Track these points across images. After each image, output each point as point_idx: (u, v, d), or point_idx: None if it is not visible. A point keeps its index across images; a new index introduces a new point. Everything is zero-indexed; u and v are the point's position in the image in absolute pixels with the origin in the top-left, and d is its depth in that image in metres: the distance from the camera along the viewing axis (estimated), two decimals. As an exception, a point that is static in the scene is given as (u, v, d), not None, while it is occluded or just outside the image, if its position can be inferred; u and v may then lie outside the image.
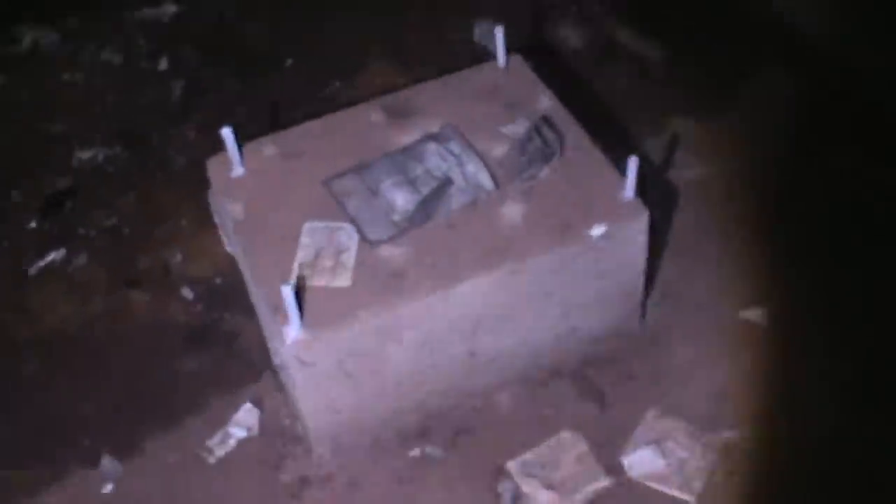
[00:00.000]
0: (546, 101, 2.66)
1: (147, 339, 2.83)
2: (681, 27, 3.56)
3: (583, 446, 2.52)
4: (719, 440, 2.50)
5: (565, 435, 2.55)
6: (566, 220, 2.40)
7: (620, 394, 2.61)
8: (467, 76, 2.77)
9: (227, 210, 2.49)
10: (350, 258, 2.35)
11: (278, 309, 2.25)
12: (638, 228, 2.45)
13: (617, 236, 2.41)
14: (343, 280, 2.30)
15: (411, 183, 2.47)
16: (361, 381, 2.36)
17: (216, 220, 2.71)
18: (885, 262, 2.81)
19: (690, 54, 3.46)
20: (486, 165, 2.49)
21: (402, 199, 2.44)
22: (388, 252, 2.36)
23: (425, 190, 2.45)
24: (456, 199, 2.44)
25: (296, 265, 2.34)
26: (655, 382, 2.63)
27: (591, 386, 2.64)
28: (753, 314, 2.74)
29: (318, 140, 2.63)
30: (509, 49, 2.73)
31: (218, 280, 2.96)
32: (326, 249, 2.37)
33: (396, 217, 2.41)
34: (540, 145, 2.46)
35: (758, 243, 2.89)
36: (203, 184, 2.66)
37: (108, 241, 3.09)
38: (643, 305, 2.71)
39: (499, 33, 2.69)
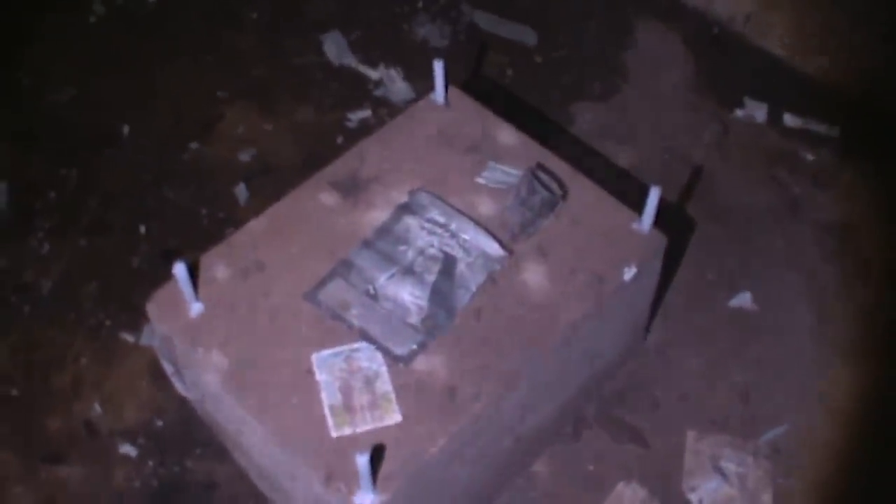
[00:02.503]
0: (508, 136, 2.32)
1: (101, 524, 2.26)
2: (539, 5, 3.29)
3: (643, 493, 2.31)
4: (766, 443, 2.37)
5: (621, 488, 2.32)
6: (594, 270, 2.11)
7: (654, 425, 2.42)
8: (406, 123, 2.36)
9: (203, 362, 1.98)
10: (386, 385, 1.93)
11: (333, 477, 1.81)
12: (657, 258, 2.22)
13: (641, 271, 2.16)
14: (392, 416, 1.89)
15: (409, 272, 2.08)
16: (428, 517, 1.99)
17: (166, 368, 2.17)
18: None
19: (561, 33, 3.21)
20: (483, 228, 2.14)
21: (409, 296, 2.05)
22: (425, 365, 1.97)
23: (430, 277, 2.07)
24: (469, 279, 2.07)
25: (327, 412, 1.89)
26: (681, 401, 2.46)
27: (623, 425, 2.42)
28: (742, 301, 2.61)
29: (271, 243, 2.15)
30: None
31: (159, 423, 2.41)
32: (353, 382, 1.94)
33: (413, 319, 2.02)
34: (547, 196, 2.13)
35: (719, 231, 2.75)
36: (92, 306, 2.27)
37: (-2, 412, 2.43)
38: (648, 325, 2.50)
39: (438, 67, 2.29)
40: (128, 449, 2.36)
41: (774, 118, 2.97)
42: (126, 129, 2.97)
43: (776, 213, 2.78)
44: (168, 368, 2.16)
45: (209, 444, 2.35)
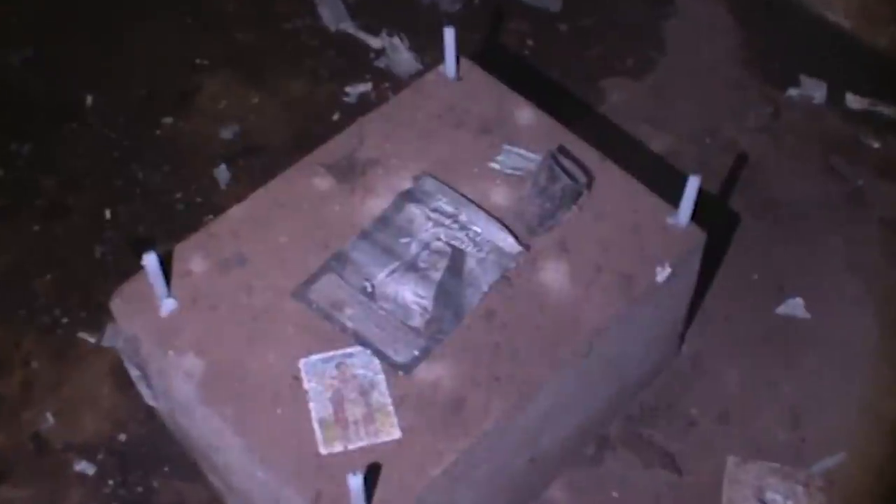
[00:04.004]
0: (527, 115, 2.34)
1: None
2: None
3: (675, 528, 2.32)
4: (819, 472, 2.38)
5: (650, 519, 2.33)
6: (623, 270, 2.12)
7: (688, 448, 2.44)
8: (411, 99, 2.38)
9: (175, 367, 1.99)
10: (383, 397, 1.94)
11: (322, 501, 1.82)
12: (695, 256, 2.23)
13: (677, 271, 2.17)
14: (390, 431, 1.90)
15: (412, 268, 2.09)
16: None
17: (132, 373, 2.18)
18: None
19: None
20: (497, 220, 2.15)
21: (411, 295, 2.06)
22: (428, 374, 1.98)
23: (435, 274, 2.09)
24: (480, 277, 2.08)
25: (316, 426, 1.91)
26: (721, 421, 2.47)
27: (653, 447, 2.43)
28: (792, 307, 2.62)
29: (256, 232, 2.17)
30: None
31: (121, 437, 2.43)
32: (346, 392, 1.95)
33: (416, 321, 2.03)
34: (570, 184, 2.14)
35: (768, 229, 2.76)
36: (46, 301, 2.35)
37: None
38: (683, 333, 2.51)
39: (448, 35, 2.30)
40: (84, 466, 2.38)
41: (835, 99, 2.99)
42: (90, 99, 3.00)
43: (834, 207, 2.80)
44: (134, 373, 2.18)
45: (178, 461, 2.36)
